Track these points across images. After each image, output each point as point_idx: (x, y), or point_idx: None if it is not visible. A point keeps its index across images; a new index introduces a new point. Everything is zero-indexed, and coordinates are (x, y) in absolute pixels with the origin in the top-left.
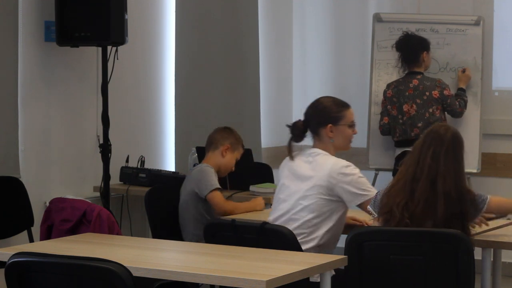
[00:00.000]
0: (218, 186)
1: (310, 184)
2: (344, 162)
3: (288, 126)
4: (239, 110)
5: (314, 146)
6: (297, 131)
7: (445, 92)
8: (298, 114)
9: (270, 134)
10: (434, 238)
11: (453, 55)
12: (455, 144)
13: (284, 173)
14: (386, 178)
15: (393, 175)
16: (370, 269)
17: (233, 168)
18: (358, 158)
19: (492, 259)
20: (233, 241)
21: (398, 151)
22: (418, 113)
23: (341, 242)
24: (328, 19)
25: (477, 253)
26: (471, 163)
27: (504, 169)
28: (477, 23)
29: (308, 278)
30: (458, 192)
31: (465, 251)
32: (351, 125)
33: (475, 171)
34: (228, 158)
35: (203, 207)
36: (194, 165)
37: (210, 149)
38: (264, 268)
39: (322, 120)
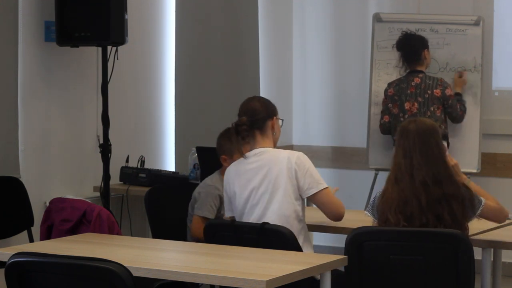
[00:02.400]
0: (205, 215)
1: None
2: None
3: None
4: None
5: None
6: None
7: (447, 92)
8: (298, 114)
9: None
10: (434, 238)
11: (453, 55)
12: (421, 134)
13: None
14: (386, 178)
15: None
16: (370, 269)
17: None
18: (358, 158)
19: (492, 259)
20: (233, 241)
21: None
22: (420, 111)
23: (341, 242)
24: (328, 19)
25: (477, 253)
26: (471, 163)
27: (504, 169)
28: (477, 23)
29: (312, 276)
30: (434, 178)
31: (465, 251)
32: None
33: (475, 171)
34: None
35: None
36: (194, 165)
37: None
38: (264, 268)
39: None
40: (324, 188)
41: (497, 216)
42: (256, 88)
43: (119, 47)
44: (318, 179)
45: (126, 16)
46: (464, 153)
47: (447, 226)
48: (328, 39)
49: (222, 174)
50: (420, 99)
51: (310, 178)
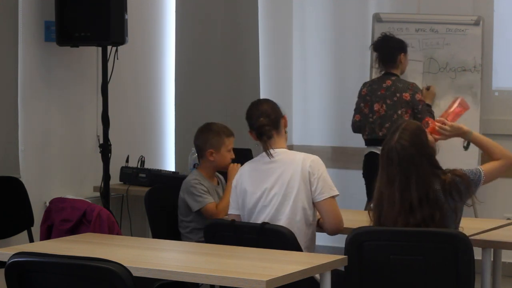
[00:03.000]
0: (206, 201)
1: None
2: None
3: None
4: (239, 110)
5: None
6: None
7: (417, 96)
8: (298, 114)
9: None
10: (434, 238)
11: (453, 55)
12: (405, 154)
13: None
14: None
15: (363, 174)
16: (370, 269)
17: (230, 159)
18: (358, 158)
19: (492, 259)
20: (233, 241)
21: (367, 150)
22: (387, 113)
23: (341, 242)
24: (328, 19)
25: (477, 253)
26: (471, 163)
27: None
28: (477, 23)
29: (312, 277)
30: (418, 200)
31: (465, 251)
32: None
33: None
34: (218, 158)
35: (194, 217)
36: (194, 165)
37: (199, 157)
38: (264, 268)
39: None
40: (335, 195)
41: (504, 166)
42: (256, 88)
43: (119, 47)
44: (331, 185)
45: (126, 16)
46: (464, 153)
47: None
48: (328, 39)
49: (202, 170)
50: (388, 101)
51: (323, 182)
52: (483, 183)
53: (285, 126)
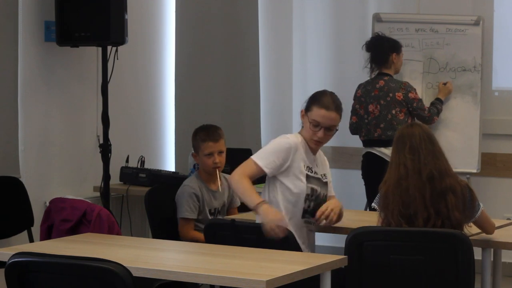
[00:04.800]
0: (185, 216)
1: None
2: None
3: None
4: (239, 110)
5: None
6: None
7: (410, 95)
8: (298, 114)
9: (270, 134)
10: (434, 238)
11: (453, 55)
12: (425, 133)
13: None
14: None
15: (362, 175)
16: (370, 269)
17: (211, 165)
18: (358, 158)
19: (492, 259)
20: (233, 241)
21: (364, 150)
22: (381, 114)
23: (341, 242)
24: (328, 19)
25: (477, 253)
26: (471, 163)
27: (504, 169)
28: (477, 23)
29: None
30: (439, 171)
31: (465, 251)
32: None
33: (475, 171)
34: (200, 162)
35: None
36: (194, 165)
37: None
38: (264, 268)
39: None
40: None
41: (490, 227)
42: (256, 88)
43: (119, 47)
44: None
45: (126, 16)
46: (464, 153)
47: (444, 219)
48: (328, 39)
49: (200, 172)
50: (382, 101)
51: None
52: (477, 216)
53: (302, 118)
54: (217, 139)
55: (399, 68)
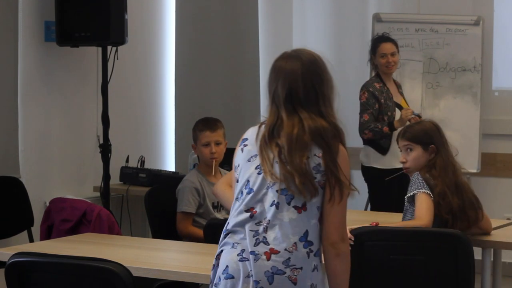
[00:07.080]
0: (184, 210)
1: None
2: None
3: None
4: (239, 110)
5: None
6: None
7: (360, 96)
8: None
9: None
10: (434, 238)
11: (453, 55)
12: (439, 130)
13: None
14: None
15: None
16: (370, 269)
17: (209, 155)
18: (357, 158)
19: (492, 259)
20: None
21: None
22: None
23: None
24: (328, 19)
25: (477, 253)
26: (471, 163)
27: (504, 169)
28: (476, 23)
29: None
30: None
31: (465, 251)
32: None
33: (475, 171)
34: (199, 153)
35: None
36: (194, 166)
37: None
38: None
39: None
40: None
41: (489, 227)
42: (256, 88)
43: (119, 47)
44: None
45: (126, 16)
46: (464, 153)
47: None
48: (328, 39)
49: (200, 166)
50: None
51: None
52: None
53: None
54: (215, 129)
55: (382, 67)
